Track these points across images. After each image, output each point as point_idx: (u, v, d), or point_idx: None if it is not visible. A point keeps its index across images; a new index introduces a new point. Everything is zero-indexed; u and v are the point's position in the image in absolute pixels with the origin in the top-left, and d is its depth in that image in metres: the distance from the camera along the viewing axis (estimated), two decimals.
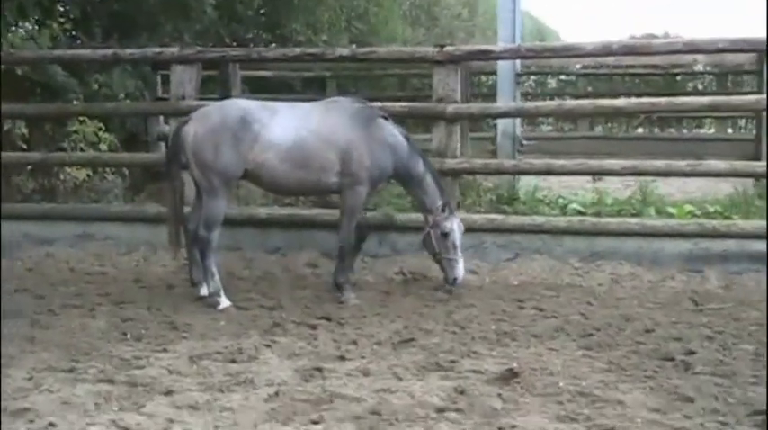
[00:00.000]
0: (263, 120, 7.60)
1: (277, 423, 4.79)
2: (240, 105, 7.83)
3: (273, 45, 17.67)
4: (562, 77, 23.45)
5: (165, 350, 6.17)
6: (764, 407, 4.99)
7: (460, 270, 7.76)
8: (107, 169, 11.74)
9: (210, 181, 7.58)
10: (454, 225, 7.80)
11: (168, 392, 5.26)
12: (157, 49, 10.12)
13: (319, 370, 5.69)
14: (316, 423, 4.78)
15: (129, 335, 6.54)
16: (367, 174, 7.74)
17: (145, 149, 13.27)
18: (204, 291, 7.73)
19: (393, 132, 7.94)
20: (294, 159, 7.61)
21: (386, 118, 8.06)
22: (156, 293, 7.99)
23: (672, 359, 5.97)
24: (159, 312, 7.27)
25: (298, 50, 10.76)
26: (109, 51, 10.40)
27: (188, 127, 7.68)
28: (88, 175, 11.41)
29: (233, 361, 5.92)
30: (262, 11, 17.93)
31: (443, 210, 7.80)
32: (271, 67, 16.98)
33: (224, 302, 7.46)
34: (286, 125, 7.65)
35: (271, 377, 5.54)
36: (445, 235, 7.75)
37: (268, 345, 6.27)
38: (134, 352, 6.11)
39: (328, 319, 7.04)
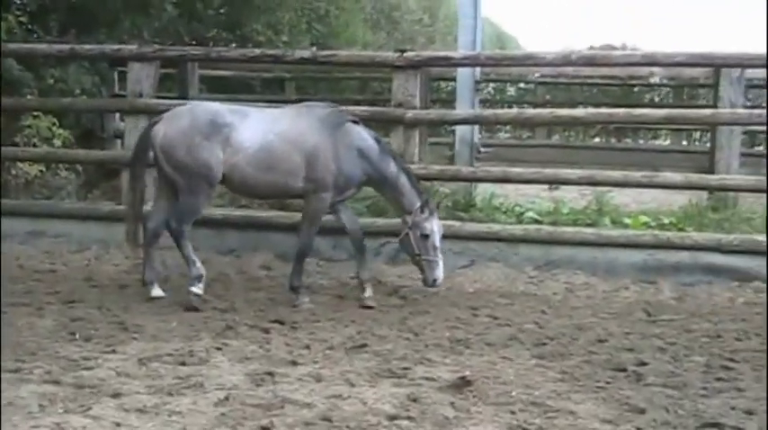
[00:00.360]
0: (234, 124, 7.58)
1: (226, 428, 4.72)
2: (210, 108, 7.81)
3: (234, 45, 17.55)
4: (521, 86, 23.54)
5: (114, 351, 6.07)
6: (714, 420, 5.02)
7: (440, 271, 7.65)
8: (60, 165, 11.58)
9: (188, 180, 7.57)
10: (434, 226, 7.70)
11: (116, 395, 5.16)
12: (115, 46, 10.03)
13: (271, 374, 5.63)
14: (266, 428, 4.71)
15: (77, 336, 6.43)
16: (332, 179, 7.67)
17: (100, 146, 13.12)
18: (156, 292, 7.70)
19: (362, 137, 7.84)
20: (261, 162, 7.58)
21: (356, 122, 7.97)
22: (107, 293, 7.87)
23: (624, 370, 5.98)
24: (110, 312, 7.16)
25: (257, 51, 10.68)
26: (66, 46, 10.27)
27: (158, 127, 7.68)
28: (41, 171, 11.22)
29: (183, 363, 5.84)
30: (222, 10, 17.81)
31: (422, 211, 7.68)
32: (230, 67, 16.89)
33: (198, 290, 7.51)
34: (255, 128, 7.63)
35: (221, 381, 5.47)
36: (425, 236, 7.64)
37: (219, 348, 6.20)
38: (82, 352, 6.00)
39: (281, 323, 6.98)
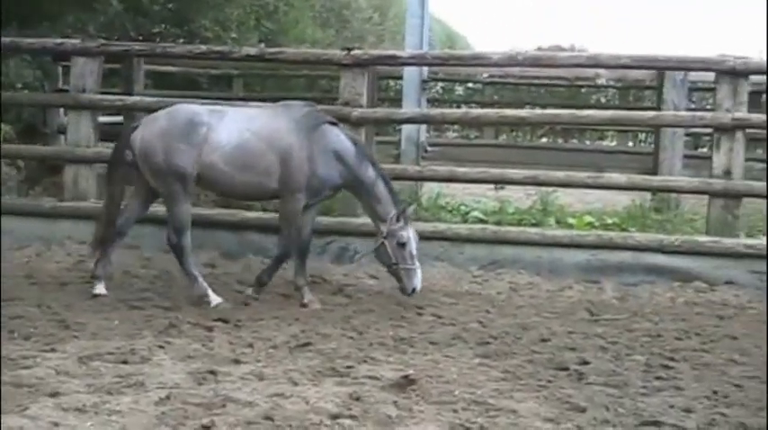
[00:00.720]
0: (211, 123, 7.52)
1: (167, 427, 4.67)
2: (188, 109, 7.77)
3: (181, 41, 17.40)
4: (470, 85, 23.64)
5: (53, 350, 5.97)
6: (653, 418, 5.08)
7: (419, 279, 7.57)
8: (1, 161, 11.37)
9: (167, 185, 7.54)
10: (410, 233, 7.61)
11: (54, 394, 5.08)
12: (58, 40, 9.89)
13: (213, 373, 5.58)
14: (207, 427, 4.67)
15: (16, 334, 6.32)
16: (305, 180, 7.57)
17: (43, 142, 12.92)
18: (100, 289, 7.61)
19: (339, 139, 7.73)
20: (237, 161, 7.51)
21: (334, 124, 7.86)
22: (47, 291, 7.75)
23: (566, 369, 6.03)
24: (50, 310, 7.05)
25: (204, 48, 10.62)
26: (7, 39, 10.10)
27: (136, 132, 7.65)
28: None
29: (125, 362, 5.77)
30: (170, 5, 17.64)
31: (398, 220, 7.58)
32: (177, 63, 16.72)
33: (215, 299, 7.48)
34: (232, 127, 7.56)
35: (163, 379, 5.41)
36: (402, 245, 7.55)
37: (162, 347, 6.13)
38: (21, 351, 5.89)
39: (225, 321, 6.92)
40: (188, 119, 7.55)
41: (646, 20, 51.32)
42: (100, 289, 7.62)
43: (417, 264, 7.63)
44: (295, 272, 7.80)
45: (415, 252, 7.61)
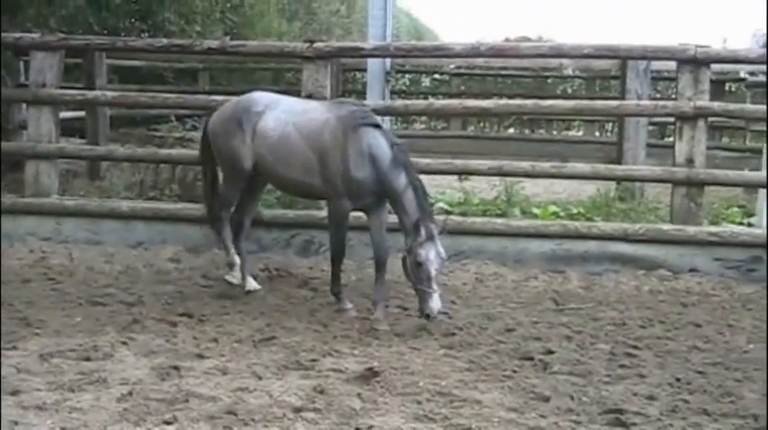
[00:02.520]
0: (264, 112, 7.52)
1: (128, 423, 4.65)
2: (251, 96, 7.82)
3: (145, 35, 17.28)
4: (436, 77, 23.64)
5: (14, 347, 5.92)
6: (616, 406, 5.11)
7: (436, 303, 6.62)
8: None
9: (223, 167, 7.87)
10: (431, 254, 6.71)
11: (15, 392, 5.05)
12: (17, 35, 9.77)
13: (176, 368, 5.56)
14: (169, 423, 4.66)
15: None
16: (341, 182, 7.15)
17: (4, 137, 12.75)
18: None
19: (377, 141, 7.11)
20: (280, 155, 7.42)
21: (378, 125, 7.31)
22: (9, 288, 7.64)
23: (531, 358, 6.06)
24: (11, 307, 6.98)
25: (165, 41, 10.52)
26: None
27: (211, 117, 7.95)
28: None
29: (87, 359, 5.74)
30: None
31: (418, 233, 6.73)
32: (141, 57, 16.61)
33: (232, 278, 7.73)
34: (279, 118, 7.48)
35: (125, 376, 5.38)
36: (419, 264, 6.70)
37: (125, 343, 6.10)
38: None
39: (189, 316, 6.89)
40: (245, 106, 7.63)
41: (631, 14, 51.29)
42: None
43: (435, 287, 6.69)
44: (374, 286, 7.34)
45: (433, 274, 6.69)
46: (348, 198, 7.24)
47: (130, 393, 5.05)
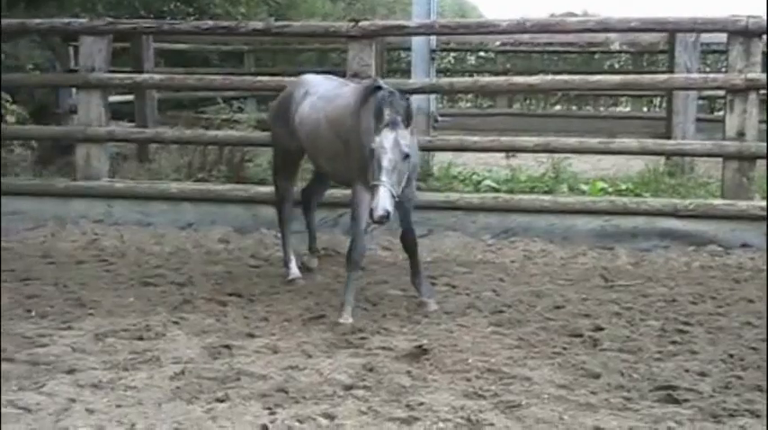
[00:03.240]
0: (305, 98, 7.26)
1: (181, 401, 4.72)
2: (298, 81, 7.65)
3: (191, 18, 17.38)
4: (481, 54, 23.52)
5: (69, 328, 6.04)
6: (667, 383, 5.08)
7: (380, 200, 5.89)
8: (14, 142, 11.43)
9: (275, 156, 7.93)
10: (386, 141, 6.05)
11: (71, 371, 5.15)
12: (66, 20, 9.88)
13: (227, 347, 5.63)
14: (221, 401, 4.72)
15: (33, 313, 6.39)
16: (357, 167, 6.51)
17: (55, 122, 12.95)
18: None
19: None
20: (314, 142, 7.14)
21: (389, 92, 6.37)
22: (63, 269, 7.79)
23: (580, 335, 6.03)
24: (66, 289, 7.10)
25: (210, 23, 10.59)
26: (15, 21, 10.12)
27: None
28: None
29: (140, 338, 5.83)
30: None
31: (380, 118, 6.11)
32: (187, 39, 16.71)
33: (293, 273, 7.53)
34: (315, 105, 7.14)
35: (177, 355, 5.46)
36: (371, 152, 6.11)
37: (176, 322, 6.18)
38: (37, 329, 5.96)
39: (239, 296, 6.96)
40: (290, 91, 7.52)
41: None
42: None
43: (384, 179, 5.96)
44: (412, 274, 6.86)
45: (384, 164, 6.00)
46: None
47: (183, 372, 5.13)
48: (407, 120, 6.15)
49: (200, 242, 8.77)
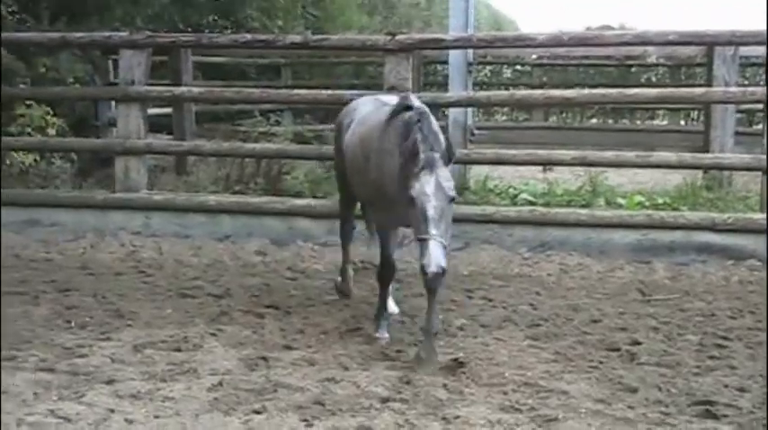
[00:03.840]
0: (350, 124, 6.75)
1: (219, 412, 4.75)
2: (349, 107, 7.12)
3: (228, 31, 17.52)
4: (517, 68, 23.49)
5: (108, 338, 6.08)
6: (706, 398, 5.04)
7: (433, 255, 5.21)
8: (55, 154, 11.58)
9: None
10: (427, 187, 5.37)
11: (110, 381, 5.19)
12: (106, 34, 10.03)
13: (264, 359, 5.65)
14: (258, 412, 4.74)
15: (72, 323, 6.45)
16: (380, 186, 6.02)
17: (95, 134, 13.11)
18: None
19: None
20: (351, 170, 6.64)
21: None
22: (102, 281, 7.86)
23: (617, 349, 6.00)
24: (105, 300, 7.16)
25: (248, 36, 10.72)
26: (56, 35, 10.30)
27: None
28: (35, 160, 11.24)
29: (177, 349, 5.86)
30: None
31: (414, 162, 5.45)
32: (224, 53, 16.84)
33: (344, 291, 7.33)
34: (354, 131, 6.62)
35: (215, 366, 5.48)
36: (412, 200, 5.40)
37: (214, 334, 6.21)
38: (77, 340, 6.01)
39: (276, 308, 6.99)
40: (341, 118, 7.08)
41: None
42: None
43: (433, 231, 5.27)
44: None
45: (430, 213, 5.32)
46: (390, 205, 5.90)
47: (220, 383, 5.15)
48: (448, 157, 5.52)
49: (238, 254, 8.83)
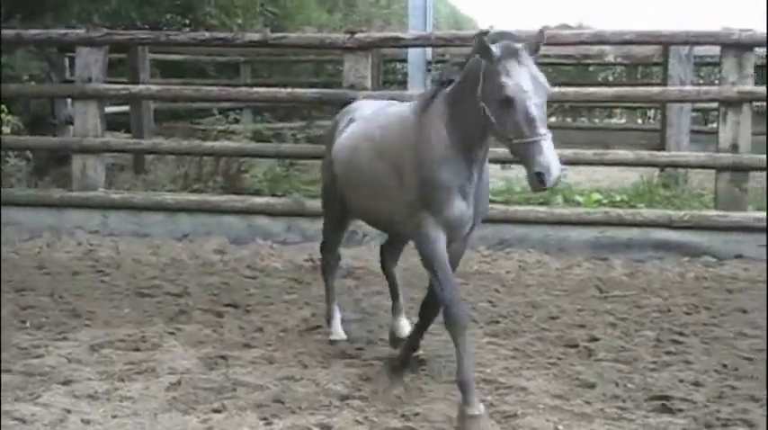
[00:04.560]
0: (348, 125, 5.72)
1: (178, 412, 4.73)
2: (353, 105, 6.09)
3: (186, 29, 17.41)
4: None
5: (65, 338, 6.04)
6: (662, 393, 5.10)
7: (547, 158, 4.32)
8: (10, 152, 11.44)
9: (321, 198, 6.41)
10: (522, 79, 4.38)
11: (66, 382, 5.16)
12: (62, 31, 9.91)
13: (224, 358, 5.64)
14: (218, 411, 4.73)
15: (28, 324, 6.40)
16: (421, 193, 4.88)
17: (51, 133, 12.97)
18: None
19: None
20: (350, 175, 5.52)
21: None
22: (59, 280, 7.79)
23: (575, 346, 6.05)
24: (61, 299, 7.10)
25: (207, 34, 10.65)
26: (11, 32, 10.15)
27: None
28: None
29: (136, 349, 5.84)
30: None
31: (487, 51, 4.42)
32: (183, 50, 16.73)
33: (336, 333, 6.10)
34: (354, 131, 5.59)
35: (173, 365, 5.46)
36: (507, 99, 4.37)
37: (172, 333, 6.19)
38: (33, 340, 5.96)
39: (235, 307, 6.97)
40: (336, 120, 6.00)
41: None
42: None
43: (542, 131, 4.37)
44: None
45: (532, 111, 4.36)
46: (436, 219, 4.83)
47: (179, 382, 5.14)
48: (534, 48, 4.49)
49: (196, 253, 8.78)
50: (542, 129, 4.31)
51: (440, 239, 4.86)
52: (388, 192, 5.05)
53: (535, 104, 4.33)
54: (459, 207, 4.85)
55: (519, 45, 4.39)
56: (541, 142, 4.30)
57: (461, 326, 4.77)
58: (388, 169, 5.04)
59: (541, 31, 4.52)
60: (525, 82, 4.35)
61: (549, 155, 4.29)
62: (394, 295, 6.05)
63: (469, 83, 4.60)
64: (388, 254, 6.16)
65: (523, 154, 4.35)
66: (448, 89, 4.85)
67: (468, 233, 5.14)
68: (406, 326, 5.81)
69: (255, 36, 10.02)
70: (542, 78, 4.41)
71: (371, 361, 5.61)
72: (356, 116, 5.72)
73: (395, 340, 5.80)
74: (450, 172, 4.78)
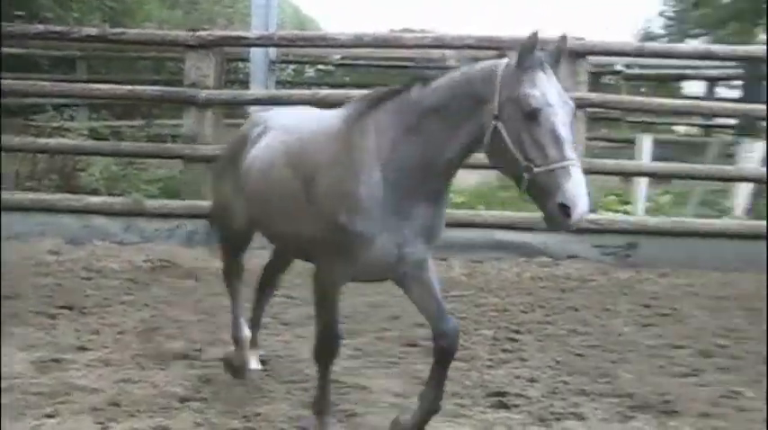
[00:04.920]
0: (258, 138, 4.91)
1: (8, 419, 4.54)
2: (264, 115, 5.27)
3: (20, 21, 16.77)
4: (320, 67, 23.59)
5: None
6: (499, 389, 5.24)
7: (575, 188, 3.66)
8: None
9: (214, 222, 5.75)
10: (549, 94, 3.78)
11: None
12: None
13: (57, 361, 5.47)
14: (51, 416, 4.58)
15: None
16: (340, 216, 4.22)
17: None
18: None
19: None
20: (258, 192, 4.77)
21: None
22: None
23: (416, 345, 6.12)
24: None
25: (41, 27, 10.31)
26: None
27: None
28: None
29: None
30: None
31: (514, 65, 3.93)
32: (16, 44, 16.10)
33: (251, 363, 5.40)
34: (268, 145, 4.79)
35: (4, 370, 5.23)
36: (531, 114, 3.75)
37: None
38: None
39: (70, 308, 6.75)
40: (243, 133, 5.16)
41: (517, 3, 51.66)
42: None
43: (570, 155, 3.73)
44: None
45: (560, 131, 3.74)
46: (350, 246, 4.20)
47: (9, 388, 4.94)
48: (556, 60, 3.92)
49: (29, 253, 8.46)
50: (570, 153, 3.68)
51: (344, 279, 4.52)
52: (302, 215, 4.34)
53: (563, 123, 3.72)
54: (386, 248, 4.23)
55: (542, 53, 3.82)
56: (570, 168, 3.66)
57: (333, 358, 4.56)
58: (300, 183, 4.33)
59: (564, 37, 3.96)
60: (552, 96, 3.75)
61: (579, 184, 3.64)
62: (255, 323, 5.58)
63: (464, 96, 4.11)
64: (272, 273, 5.71)
65: (545, 182, 3.68)
66: (406, 96, 4.28)
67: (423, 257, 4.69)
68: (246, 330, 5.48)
69: (93, 31, 9.76)
70: (567, 96, 3.83)
71: (211, 362, 5.53)
72: (270, 126, 4.90)
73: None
74: (381, 209, 4.11)
